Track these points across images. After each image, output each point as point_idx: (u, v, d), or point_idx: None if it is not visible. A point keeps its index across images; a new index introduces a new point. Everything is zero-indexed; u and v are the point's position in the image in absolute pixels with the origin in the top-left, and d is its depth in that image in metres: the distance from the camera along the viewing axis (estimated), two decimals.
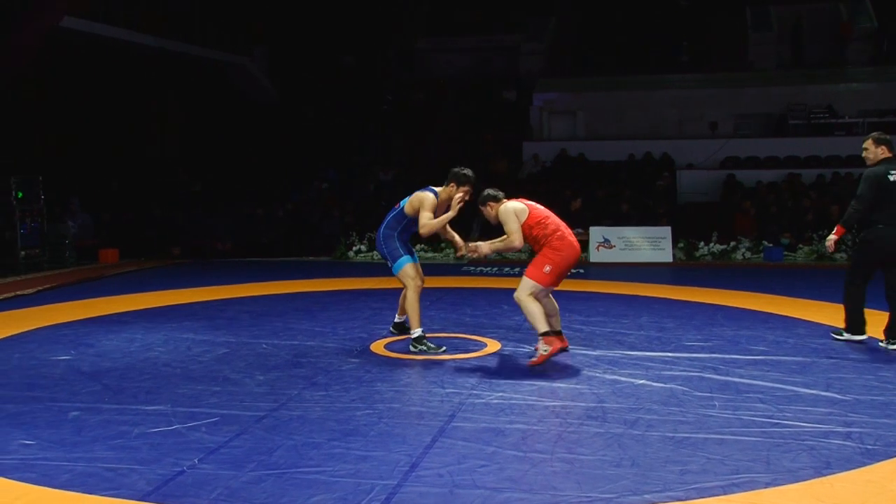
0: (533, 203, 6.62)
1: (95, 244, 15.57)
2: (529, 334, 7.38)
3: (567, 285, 11.50)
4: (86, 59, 18.41)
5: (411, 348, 6.95)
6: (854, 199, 7.05)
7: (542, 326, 6.24)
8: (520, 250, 7.14)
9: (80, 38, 17.08)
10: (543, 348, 6.23)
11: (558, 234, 6.37)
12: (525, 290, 6.30)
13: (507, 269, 13.36)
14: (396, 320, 7.69)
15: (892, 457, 4.25)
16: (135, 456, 4.37)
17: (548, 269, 6.28)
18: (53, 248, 14.42)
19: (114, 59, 19.09)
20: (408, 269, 6.98)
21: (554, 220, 6.50)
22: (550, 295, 6.66)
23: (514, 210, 6.47)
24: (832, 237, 7.18)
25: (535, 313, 6.25)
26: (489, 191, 6.69)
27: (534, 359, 6.33)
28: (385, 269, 7.37)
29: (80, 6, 16.14)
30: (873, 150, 7.17)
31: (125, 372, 6.34)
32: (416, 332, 6.98)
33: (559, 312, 6.79)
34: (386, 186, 19.17)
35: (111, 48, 18.53)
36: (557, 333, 6.61)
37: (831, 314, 8.51)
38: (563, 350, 6.64)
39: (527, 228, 6.39)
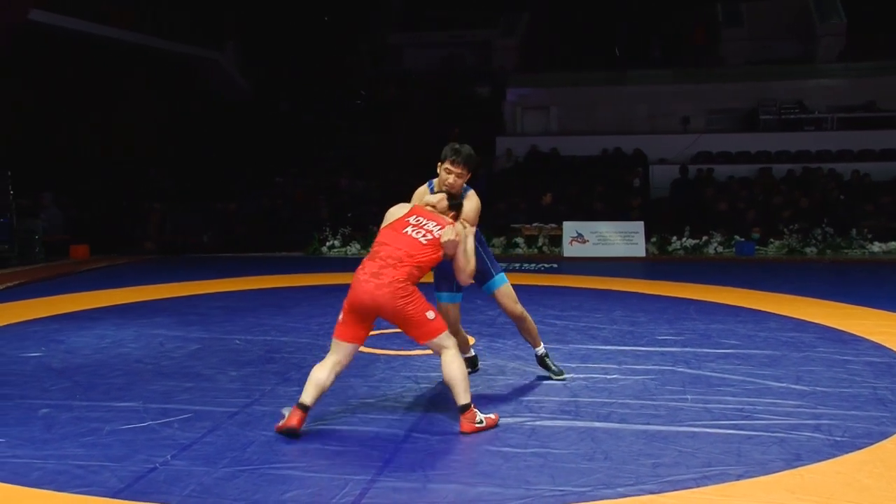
0: (401, 214, 4.92)
1: (65, 240, 15.39)
2: (504, 328, 7.41)
3: (540, 280, 11.57)
4: (54, 53, 18.15)
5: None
6: None
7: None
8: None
9: (47, 30, 16.84)
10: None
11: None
12: None
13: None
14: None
15: (859, 448, 4.31)
16: (106, 453, 4.33)
17: (340, 317, 4.73)
18: (23, 243, 14.23)
19: (83, 52, 18.85)
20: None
21: (383, 240, 4.77)
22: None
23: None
24: None
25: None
26: None
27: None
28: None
29: None
30: None
31: (96, 368, 6.26)
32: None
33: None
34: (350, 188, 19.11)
35: (79, 41, 18.30)
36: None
37: (801, 307, 8.64)
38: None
39: None
